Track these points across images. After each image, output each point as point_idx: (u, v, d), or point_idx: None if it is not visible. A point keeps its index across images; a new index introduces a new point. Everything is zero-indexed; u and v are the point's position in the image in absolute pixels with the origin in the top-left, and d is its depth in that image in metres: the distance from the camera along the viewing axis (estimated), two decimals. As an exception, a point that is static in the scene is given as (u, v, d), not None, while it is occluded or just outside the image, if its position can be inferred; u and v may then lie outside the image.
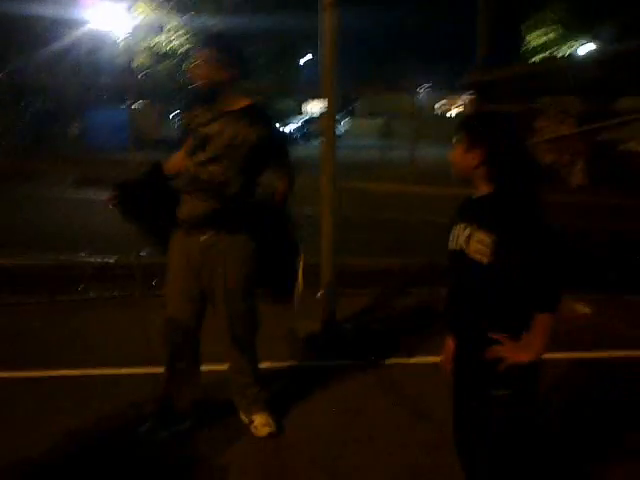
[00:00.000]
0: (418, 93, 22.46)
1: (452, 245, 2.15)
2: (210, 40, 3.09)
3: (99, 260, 6.03)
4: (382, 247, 6.47)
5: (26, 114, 21.49)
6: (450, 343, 2.28)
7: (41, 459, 2.89)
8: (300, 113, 33.51)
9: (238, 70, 2.96)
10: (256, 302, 3.11)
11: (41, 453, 2.92)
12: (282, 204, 3.10)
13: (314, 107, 30.39)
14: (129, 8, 17.60)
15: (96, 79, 19.71)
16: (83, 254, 6.32)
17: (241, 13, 18.59)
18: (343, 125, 37.15)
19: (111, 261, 5.85)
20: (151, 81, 17.84)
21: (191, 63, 2.98)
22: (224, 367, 3.20)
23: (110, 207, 3.04)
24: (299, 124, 30.65)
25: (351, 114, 39.57)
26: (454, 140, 2.13)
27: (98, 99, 23.34)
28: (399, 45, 34.01)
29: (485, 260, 2.00)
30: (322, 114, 4.63)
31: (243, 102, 2.98)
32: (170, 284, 3.10)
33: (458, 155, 2.11)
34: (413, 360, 3.92)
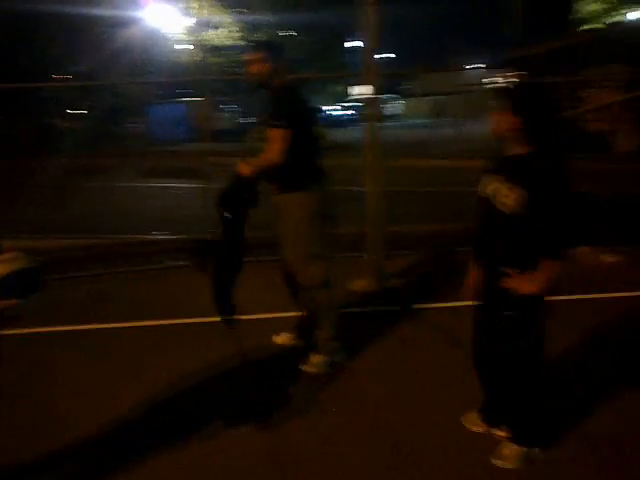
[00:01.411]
0: (467, 71, 22.57)
1: (482, 192, 2.65)
2: (259, 45, 3.88)
3: (172, 237, 6.82)
4: (425, 215, 7.03)
5: (92, 113, 22.75)
6: (474, 273, 2.81)
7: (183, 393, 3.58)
8: (346, 97, 33.96)
9: (281, 64, 3.68)
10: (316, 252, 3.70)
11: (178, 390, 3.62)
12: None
13: (363, 90, 30.66)
14: (184, 7, 18.43)
15: (155, 76, 20.60)
16: (156, 232, 7.20)
17: (289, 7, 19.17)
18: (395, 106, 37.47)
19: (184, 237, 6.56)
20: (205, 75, 18.59)
21: (244, 62, 3.70)
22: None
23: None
24: (345, 108, 31.11)
25: (403, 95, 39.77)
26: (495, 105, 2.57)
27: (158, 95, 24.43)
28: (449, 23, 33.85)
29: (507, 210, 2.50)
30: (367, 99, 5.22)
31: (277, 86, 3.66)
32: None
33: (498, 119, 2.57)
34: (448, 304, 4.54)
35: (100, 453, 3.02)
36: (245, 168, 3.47)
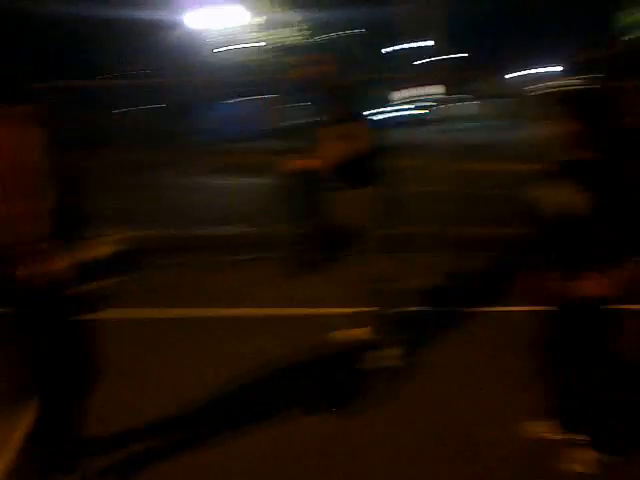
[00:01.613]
0: (533, 74, 22.13)
1: (554, 199, 2.67)
2: (316, 48, 4.15)
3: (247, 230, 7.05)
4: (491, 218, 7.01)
5: (159, 111, 23.43)
6: (544, 276, 2.80)
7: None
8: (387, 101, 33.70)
9: (333, 67, 3.88)
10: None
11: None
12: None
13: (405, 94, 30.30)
14: (246, 9, 18.80)
15: (224, 76, 21.08)
16: (231, 227, 7.44)
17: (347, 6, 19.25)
18: (466, 107, 36.92)
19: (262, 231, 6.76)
20: (270, 75, 18.88)
21: (304, 63, 3.92)
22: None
23: None
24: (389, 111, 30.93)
25: (468, 97, 39.19)
26: (557, 112, 2.64)
27: (224, 94, 24.95)
28: (517, 26, 33.15)
29: (574, 214, 2.56)
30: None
31: (334, 86, 3.83)
32: None
33: (561, 125, 2.64)
34: (516, 308, 4.49)
35: (181, 430, 3.22)
36: (316, 161, 3.62)
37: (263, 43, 19.88)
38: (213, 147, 18.22)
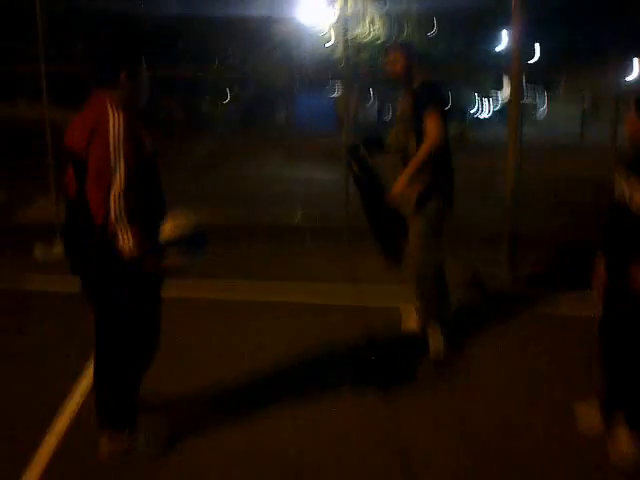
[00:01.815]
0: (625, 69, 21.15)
1: (615, 192, 2.72)
2: (397, 45, 4.33)
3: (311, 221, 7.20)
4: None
5: (241, 100, 24.04)
6: (602, 270, 2.88)
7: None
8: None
9: (416, 61, 3.91)
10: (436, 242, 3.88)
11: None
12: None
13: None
14: (331, 2, 18.90)
15: (302, 69, 21.33)
16: (299, 216, 7.65)
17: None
18: (544, 109, 35.89)
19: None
20: (351, 70, 18.95)
21: (385, 59, 3.96)
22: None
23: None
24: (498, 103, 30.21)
25: (553, 95, 37.98)
26: (631, 112, 2.71)
27: (303, 87, 25.26)
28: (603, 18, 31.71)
29: (637, 209, 2.57)
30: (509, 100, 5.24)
31: (418, 81, 3.86)
32: None
33: (631, 123, 2.72)
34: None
35: (235, 402, 3.38)
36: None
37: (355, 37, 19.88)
38: (295, 137, 18.53)
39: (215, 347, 4.03)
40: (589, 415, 3.05)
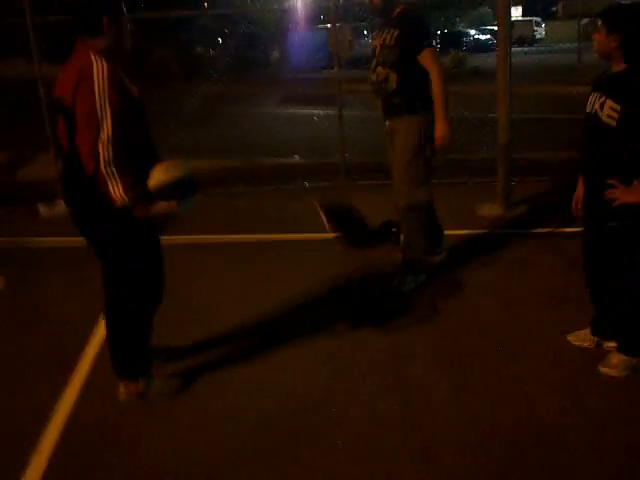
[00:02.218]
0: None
1: (588, 109, 2.80)
2: None
3: (308, 160, 7.25)
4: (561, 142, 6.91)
5: (231, 42, 23.50)
6: (580, 187, 2.97)
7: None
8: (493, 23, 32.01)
9: None
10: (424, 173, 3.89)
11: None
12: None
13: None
14: None
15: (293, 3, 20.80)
16: (297, 156, 7.67)
17: None
18: (541, 30, 35.06)
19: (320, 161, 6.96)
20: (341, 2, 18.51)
21: None
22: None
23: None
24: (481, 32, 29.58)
25: (550, 18, 37.03)
26: (597, 25, 2.72)
27: (295, 23, 24.64)
28: None
29: (613, 123, 2.64)
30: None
31: (397, 11, 3.80)
32: None
33: (600, 38, 2.72)
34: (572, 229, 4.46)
35: (243, 341, 3.53)
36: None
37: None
38: (287, 77, 18.26)
39: (220, 288, 4.18)
40: (579, 336, 3.20)
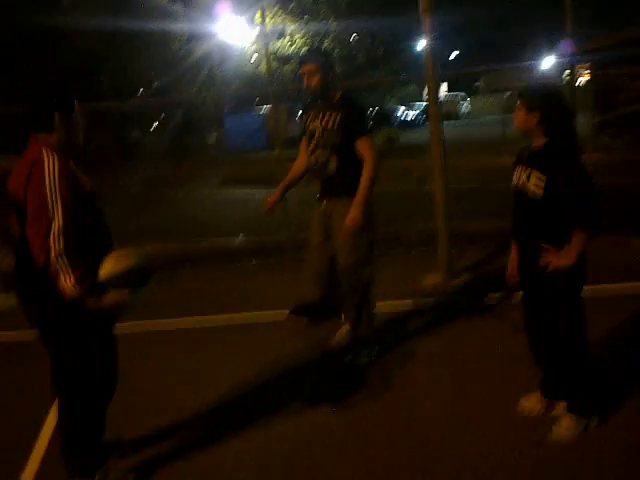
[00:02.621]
0: (540, 66, 22.13)
1: (515, 181, 2.99)
2: (311, 56, 4.16)
3: (255, 239, 7.33)
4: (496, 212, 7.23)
5: (169, 126, 23.79)
6: (514, 253, 3.13)
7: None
8: (421, 99, 33.80)
9: (334, 73, 3.93)
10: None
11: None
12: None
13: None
14: (251, 18, 19.01)
15: (228, 88, 21.32)
16: (242, 235, 7.75)
17: (352, 15, 19.44)
18: (467, 105, 37.15)
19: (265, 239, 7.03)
20: (278, 84, 19.16)
21: (301, 71, 3.91)
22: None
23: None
24: (420, 109, 31.16)
25: (474, 92, 39.31)
26: (517, 104, 2.93)
27: (231, 106, 25.24)
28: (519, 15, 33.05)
29: (541, 192, 2.83)
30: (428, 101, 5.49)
31: (337, 95, 3.92)
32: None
33: (520, 116, 2.94)
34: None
35: (201, 428, 3.48)
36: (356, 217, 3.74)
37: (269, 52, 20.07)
38: (223, 159, 18.52)
39: (177, 374, 4.13)
40: (531, 400, 3.27)
